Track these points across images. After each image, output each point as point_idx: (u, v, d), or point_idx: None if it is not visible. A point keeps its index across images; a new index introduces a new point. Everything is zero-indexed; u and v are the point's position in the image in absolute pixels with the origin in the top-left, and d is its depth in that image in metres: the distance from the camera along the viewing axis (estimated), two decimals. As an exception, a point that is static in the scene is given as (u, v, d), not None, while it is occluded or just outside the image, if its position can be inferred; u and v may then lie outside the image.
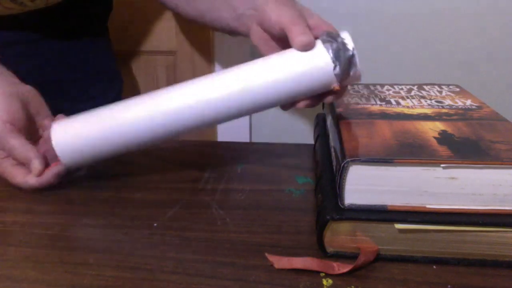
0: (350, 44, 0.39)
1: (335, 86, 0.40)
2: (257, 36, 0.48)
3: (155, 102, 0.42)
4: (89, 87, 0.73)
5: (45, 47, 0.67)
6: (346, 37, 0.40)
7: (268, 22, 0.44)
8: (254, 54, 0.84)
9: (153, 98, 0.42)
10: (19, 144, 0.44)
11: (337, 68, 0.39)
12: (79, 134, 0.43)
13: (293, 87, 0.40)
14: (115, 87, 0.79)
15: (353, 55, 0.39)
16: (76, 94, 0.72)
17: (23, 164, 0.45)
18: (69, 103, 0.71)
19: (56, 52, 0.68)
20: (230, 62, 0.86)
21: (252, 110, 0.42)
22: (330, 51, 0.39)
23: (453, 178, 0.33)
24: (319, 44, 0.40)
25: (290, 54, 0.40)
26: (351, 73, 0.39)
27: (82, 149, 0.43)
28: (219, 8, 0.53)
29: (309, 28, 0.42)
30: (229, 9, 0.52)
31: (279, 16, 0.43)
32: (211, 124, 0.43)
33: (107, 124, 0.42)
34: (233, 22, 0.52)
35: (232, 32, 0.54)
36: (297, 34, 0.40)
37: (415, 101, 0.47)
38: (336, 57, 0.39)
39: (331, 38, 0.40)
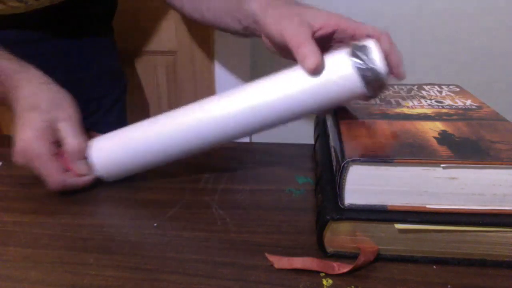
0: (382, 68, 0.37)
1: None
2: (268, 44, 0.47)
3: (183, 119, 0.43)
4: (92, 87, 0.73)
5: (48, 47, 0.67)
6: (375, 55, 0.37)
7: (272, 37, 0.44)
8: (254, 54, 0.84)
9: (180, 114, 0.43)
10: (79, 139, 0.45)
11: (368, 90, 0.38)
12: (115, 152, 0.45)
13: (323, 105, 0.40)
14: (119, 87, 0.79)
15: (384, 78, 0.37)
16: (79, 94, 0.72)
17: (64, 162, 0.45)
18: (76, 101, 0.71)
19: (59, 51, 0.68)
20: (230, 62, 0.86)
21: (276, 124, 0.42)
22: (361, 77, 0.37)
23: (453, 178, 0.33)
24: (347, 65, 0.37)
25: (326, 78, 0.39)
26: (382, 89, 0.39)
27: (119, 166, 0.45)
28: (225, 20, 0.54)
29: (316, 35, 0.40)
30: (235, 21, 0.52)
31: (279, 31, 0.41)
32: (241, 136, 0.43)
33: (139, 142, 0.44)
34: (242, 31, 0.52)
35: (246, 36, 0.54)
36: (303, 58, 0.38)
37: (415, 101, 0.47)
38: (368, 82, 0.38)
39: (360, 59, 0.37)
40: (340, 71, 0.38)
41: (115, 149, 0.45)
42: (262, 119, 0.41)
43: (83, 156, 0.45)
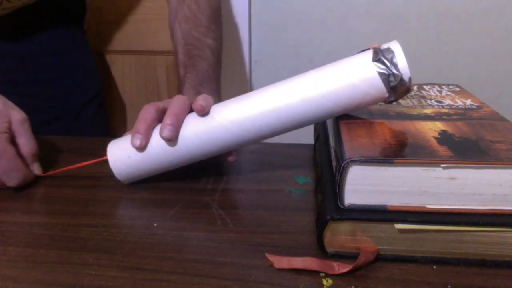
0: (405, 74, 0.37)
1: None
2: None
3: (200, 122, 0.42)
4: (67, 87, 0.73)
5: (23, 47, 0.67)
6: (399, 59, 0.37)
7: None
8: (254, 54, 0.85)
9: (197, 117, 0.43)
10: (34, 142, 0.46)
11: (392, 96, 0.39)
12: (133, 156, 0.44)
13: (345, 109, 0.40)
14: (94, 85, 0.79)
15: (407, 82, 0.38)
16: (55, 94, 0.72)
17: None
18: (50, 102, 0.71)
19: (24, 52, 0.68)
20: (229, 62, 0.86)
21: (296, 126, 0.42)
22: (386, 85, 0.38)
23: (453, 178, 0.33)
24: (374, 72, 0.38)
25: (348, 82, 0.39)
26: (405, 93, 0.39)
27: (137, 167, 0.45)
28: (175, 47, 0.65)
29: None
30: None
31: None
32: (252, 142, 0.43)
33: (156, 144, 0.43)
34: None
35: None
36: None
37: (415, 101, 0.47)
38: (391, 87, 0.38)
39: (386, 67, 0.37)
40: (362, 75, 0.38)
41: (134, 153, 0.44)
42: (277, 123, 0.41)
43: (36, 159, 0.47)
